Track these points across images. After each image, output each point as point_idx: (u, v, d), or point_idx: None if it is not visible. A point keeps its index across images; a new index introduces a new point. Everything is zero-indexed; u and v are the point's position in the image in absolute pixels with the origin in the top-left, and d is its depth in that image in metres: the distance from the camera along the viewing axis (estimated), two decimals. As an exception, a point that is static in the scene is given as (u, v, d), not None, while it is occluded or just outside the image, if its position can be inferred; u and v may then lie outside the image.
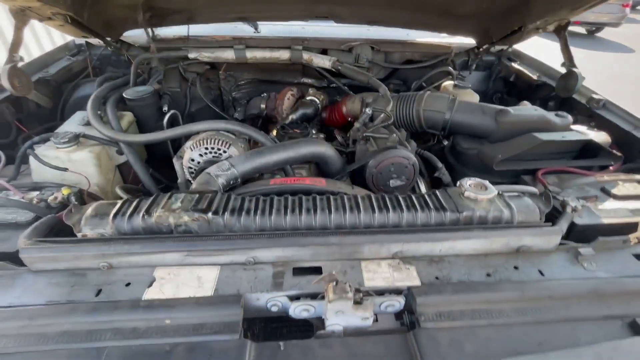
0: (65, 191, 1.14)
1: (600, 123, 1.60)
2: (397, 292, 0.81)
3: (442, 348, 0.72)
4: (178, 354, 0.69)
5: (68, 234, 1.00)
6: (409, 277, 0.84)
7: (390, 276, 0.85)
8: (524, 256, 0.91)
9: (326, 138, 1.86)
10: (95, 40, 2.04)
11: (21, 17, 1.46)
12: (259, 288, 0.81)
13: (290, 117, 1.88)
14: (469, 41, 2.19)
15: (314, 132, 1.81)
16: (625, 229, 1.08)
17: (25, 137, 1.57)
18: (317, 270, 0.86)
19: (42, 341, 0.69)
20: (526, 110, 1.51)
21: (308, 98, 1.98)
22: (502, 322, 0.77)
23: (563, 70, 1.79)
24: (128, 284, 0.80)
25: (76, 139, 1.34)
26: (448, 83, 1.92)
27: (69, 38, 2.07)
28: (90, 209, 0.90)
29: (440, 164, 1.50)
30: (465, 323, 0.76)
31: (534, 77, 1.98)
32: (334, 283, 0.74)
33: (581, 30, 14.60)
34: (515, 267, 0.88)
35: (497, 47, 2.10)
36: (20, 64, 1.51)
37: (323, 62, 1.93)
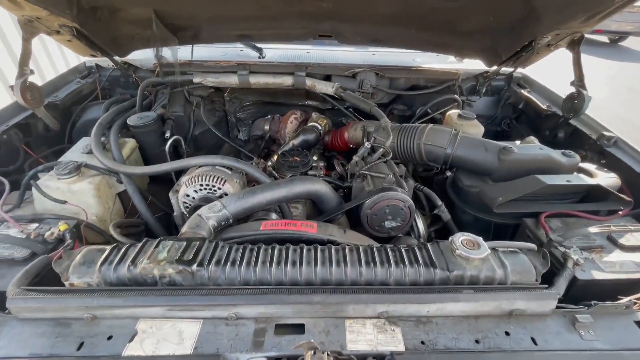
0: (62, 227, 1.16)
1: (610, 162, 1.53)
2: (379, 357, 0.79)
3: None
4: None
5: (58, 277, 1.02)
6: (394, 341, 0.82)
7: (374, 339, 0.82)
8: (516, 320, 0.88)
9: (326, 167, 1.86)
10: (104, 62, 2.09)
11: (29, 28, 1.51)
12: (239, 347, 0.80)
13: (291, 143, 1.88)
14: (477, 67, 2.15)
15: (314, 158, 1.80)
16: (630, 286, 1.03)
17: (32, 162, 1.62)
18: (300, 328, 0.85)
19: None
20: (531, 148, 1.46)
21: (310, 124, 1.97)
22: (489, 397, 0.74)
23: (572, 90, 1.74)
24: (110, 337, 0.81)
25: (77, 170, 1.37)
26: (453, 112, 1.88)
27: (82, 59, 2.13)
28: (79, 256, 0.91)
29: (439, 202, 1.46)
30: None
31: (544, 106, 1.92)
32: (312, 352, 0.72)
33: (603, 39, 14.20)
34: (507, 333, 0.85)
35: (507, 69, 2.05)
36: (30, 77, 1.56)
37: (326, 88, 1.93)
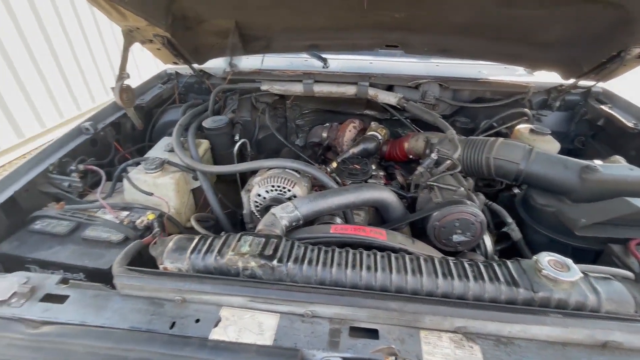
0: (150, 216, 1.29)
1: None
2: (459, 374, 0.77)
3: None
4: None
5: (149, 259, 1.13)
6: (472, 358, 0.79)
7: (451, 353, 0.80)
8: (612, 353, 0.80)
9: (386, 176, 1.85)
10: (182, 70, 2.30)
11: (129, 38, 1.71)
12: (315, 344, 0.82)
13: (351, 151, 1.91)
14: (549, 79, 2.03)
15: (373, 167, 1.81)
16: None
17: (121, 157, 1.82)
18: (374, 333, 0.85)
19: (125, 364, 0.78)
20: (619, 168, 1.34)
21: (370, 133, 1.98)
22: None
23: None
24: (197, 320, 0.87)
25: (161, 166, 1.51)
26: (523, 127, 1.79)
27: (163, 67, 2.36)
28: (171, 243, 1.01)
29: (510, 219, 1.39)
30: None
31: (630, 124, 1.75)
32: (393, 357, 0.73)
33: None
34: (600, 365, 0.78)
35: (588, 83, 1.91)
36: (127, 81, 1.77)
37: (388, 98, 1.94)
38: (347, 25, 1.73)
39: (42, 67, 4.51)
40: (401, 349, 0.82)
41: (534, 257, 0.92)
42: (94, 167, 1.55)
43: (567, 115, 2.13)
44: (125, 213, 1.35)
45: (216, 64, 2.20)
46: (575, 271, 0.86)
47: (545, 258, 0.90)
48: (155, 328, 0.86)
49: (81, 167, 1.52)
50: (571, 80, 1.86)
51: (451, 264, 0.95)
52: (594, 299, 0.85)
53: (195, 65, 2.10)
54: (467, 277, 0.91)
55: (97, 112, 1.81)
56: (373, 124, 2.10)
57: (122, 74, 1.73)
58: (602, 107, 1.96)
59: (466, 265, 0.94)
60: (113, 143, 1.82)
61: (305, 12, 1.63)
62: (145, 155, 1.65)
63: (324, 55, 2.19)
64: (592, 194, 1.31)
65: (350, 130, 2.15)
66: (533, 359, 0.79)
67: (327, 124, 2.29)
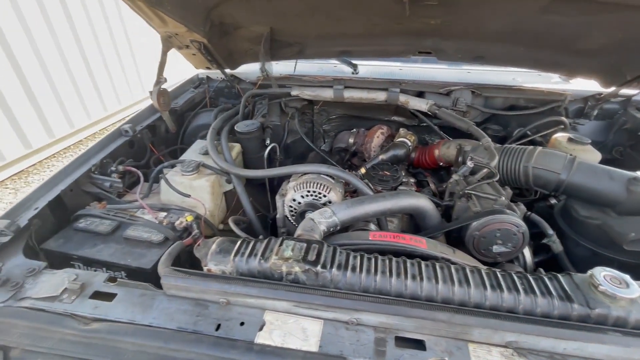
0: (188, 218, 1.31)
1: None
2: (512, 390, 0.74)
3: None
4: (285, 408, 0.72)
5: (188, 257, 1.15)
6: (528, 375, 0.76)
7: (508, 375, 0.78)
8: (677, 377, 0.76)
9: (416, 183, 1.83)
10: (213, 74, 2.35)
11: (167, 43, 1.77)
12: (361, 352, 0.81)
13: (380, 157, 1.89)
14: (587, 87, 1.97)
15: (403, 174, 1.79)
16: None
17: (156, 159, 1.86)
18: (421, 344, 0.84)
19: (173, 364, 0.79)
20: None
21: (399, 139, 1.97)
22: None
23: None
24: (242, 323, 0.88)
25: (197, 168, 1.54)
26: (560, 135, 1.74)
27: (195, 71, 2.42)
28: (214, 245, 1.02)
29: (551, 231, 1.35)
30: None
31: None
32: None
33: None
34: (666, 390, 0.74)
35: (629, 92, 1.85)
36: (164, 85, 1.82)
37: (420, 105, 1.92)
38: (381, 31, 1.73)
39: (71, 66, 4.63)
40: (450, 361, 0.80)
41: (589, 272, 0.88)
42: (133, 168, 1.60)
43: (605, 124, 2.06)
44: (164, 214, 1.38)
45: (247, 69, 2.24)
46: (635, 288, 0.83)
47: (602, 273, 0.86)
48: (201, 329, 0.87)
49: (120, 168, 1.57)
50: (612, 88, 1.80)
51: (499, 275, 0.92)
52: (652, 317, 0.81)
53: (227, 70, 2.14)
54: (517, 289, 0.88)
55: (135, 114, 1.87)
56: (402, 131, 2.09)
57: (160, 79, 1.78)
58: None
59: (515, 278, 0.91)
60: (148, 145, 1.87)
61: (341, 19, 1.65)
62: (181, 158, 1.69)
63: (354, 62, 2.19)
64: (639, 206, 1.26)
65: (378, 136, 2.14)
66: (592, 378, 0.76)
67: (354, 130, 2.29)
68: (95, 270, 1.18)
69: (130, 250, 1.21)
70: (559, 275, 0.92)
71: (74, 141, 4.90)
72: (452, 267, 0.94)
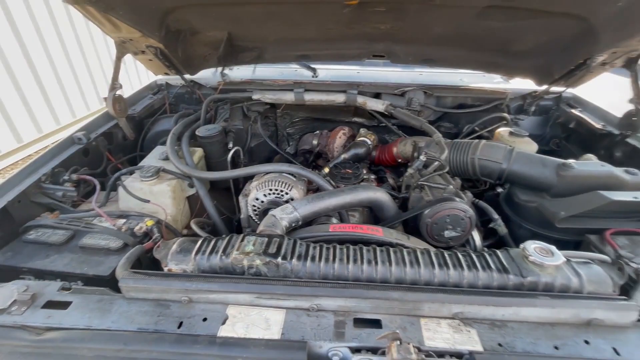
0: (148, 223, 1.29)
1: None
2: (458, 355, 0.81)
3: None
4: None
5: (150, 263, 1.13)
6: (470, 341, 0.84)
7: (450, 337, 0.85)
8: (595, 330, 0.87)
9: (377, 179, 1.92)
10: (173, 80, 2.32)
11: (121, 49, 1.74)
12: (321, 336, 0.85)
13: (342, 157, 1.97)
14: (525, 86, 2.17)
15: (364, 172, 1.87)
16: None
17: (113, 167, 1.81)
18: (377, 323, 0.89)
19: (134, 366, 0.79)
20: (592, 165, 1.45)
21: (360, 139, 2.06)
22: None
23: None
24: (205, 319, 0.89)
25: (157, 173, 1.52)
26: (503, 129, 1.91)
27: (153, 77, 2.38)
28: (175, 245, 1.02)
29: (496, 216, 1.48)
30: None
31: (598, 125, 1.90)
32: (398, 342, 0.77)
33: None
34: (586, 342, 0.85)
35: (559, 89, 2.06)
36: (119, 91, 1.78)
37: (377, 105, 2.03)
38: (336, 36, 1.81)
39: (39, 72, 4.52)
40: (403, 336, 0.86)
41: (521, 245, 0.99)
42: (87, 177, 1.54)
43: (542, 119, 2.28)
44: (122, 221, 1.34)
45: (207, 75, 2.24)
46: (558, 256, 0.94)
47: (532, 245, 0.97)
48: (163, 329, 0.87)
49: (74, 176, 1.51)
50: (544, 87, 2.00)
51: (446, 255, 1.00)
52: (577, 282, 0.92)
53: (187, 76, 2.13)
54: (461, 266, 0.96)
55: (89, 122, 1.81)
56: (362, 131, 2.18)
57: (115, 84, 1.74)
58: (573, 111, 2.11)
59: (460, 256, 1.00)
60: (105, 153, 1.81)
61: (296, 24, 1.71)
62: (140, 164, 1.66)
63: (313, 65, 2.26)
64: (569, 189, 1.41)
65: (340, 137, 2.22)
66: (526, 339, 0.85)
67: (317, 132, 2.36)
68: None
69: (87, 259, 1.17)
70: (498, 251, 1.02)
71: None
72: (405, 251, 1.01)
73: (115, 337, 0.84)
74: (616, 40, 1.51)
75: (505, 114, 2.04)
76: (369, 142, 2.05)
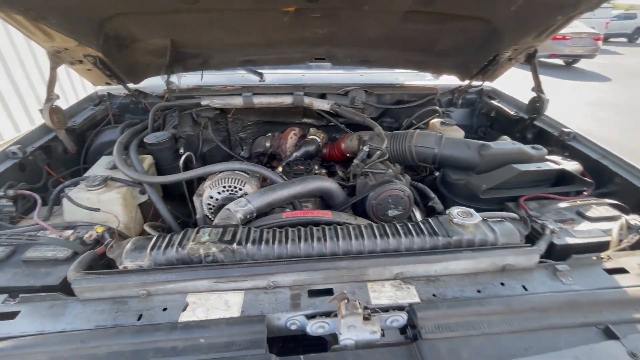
0: (99, 229, 1.27)
1: (572, 153, 1.79)
2: (400, 308, 0.93)
3: (442, 356, 0.83)
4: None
5: (106, 268, 1.12)
6: (410, 295, 0.96)
7: (393, 295, 0.97)
8: (508, 274, 1.05)
9: (327, 173, 2.04)
10: (115, 90, 2.26)
11: (56, 59, 1.68)
12: (279, 308, 0.93)
13: (294, 155, 2.06)
14: (452, 82, 2.45)
15: (316, 167, 1.98)
16: (598, 247, 1.22)
17: (54, 181, 1.72)
18: (329, 292, 0.98)
19: (94, 361, 0.80)
20: (505, 144, 1.70)
21: (310, 137, 2.17)
22: (493, 331, 0.89)
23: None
24: (165, 309, 0.92)
25: (105, 182, 1.49)
26: (435, 120, 2.14)
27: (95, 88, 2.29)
28: (129, 244, 1.03)
29: (432, 194, 1.66)
30: (461, 333, 0.88)
31: (512, 112, 2.20)
32: (346, 301, 0.86)
33: (559, 62, 15.65)
34: (502, 284, 1.01)
35: (478, 83, 2.35)
36: (56, 102, 1.71)
37: (322, 105, 2.16)
38: (278, 41, 1.92)
39: None
40: (352, 299, 0.96)
41: (447, 211, 1.15)
42: (26, 192, 1.47)
43: (470, 111, 2.58)
44: (70, 231, 1.30)
45: (152, 83, 2.22)
46: (476, 216, 1.11)
47: (455, 210, 1.13)
48: (122, 323, 0.88)
49: (11, 192, 1.43)
50: (466, 82, 2.28)
51: (386, 227, 1.13)
52: (492, 236, 1.10)
53: (131, 85, 2.10)
54: (399, 234, 1.10)
55: (23, 135, 1.71)
56: (312, 130, 2.30)
57: (51, 95, 1.68)
58: (493, 102, 2.42)
59: (398, 226, 1.13)
60: (44, 167, 1.72)
61: (239, 30, 1.78)
62: (85, 175, 1.61)
63: (260, 70, 2.34)
64: (489, 166, 1.64)
65: (291, 137, 2.32)
66: (455, 288, 1.00)
67: (269, 134, 2.43)
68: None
69: (33, 272, 1.12)
70: (429, 219, 1.17)
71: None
72: (350, 227, 1.12)
73: (71, 338, 0.84)
74: (516, 39, 1.79)
75: (437, 107, 2.28)
76: (319, 139, 2.16)
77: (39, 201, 1.43)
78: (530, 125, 2.08)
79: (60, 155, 1.86)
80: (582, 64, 15.10)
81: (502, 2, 1.58)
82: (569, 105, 8.34)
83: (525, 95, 2.19)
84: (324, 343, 1.00)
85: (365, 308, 0.88)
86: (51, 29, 1.47)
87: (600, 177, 1.62)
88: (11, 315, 0.89)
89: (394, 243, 1.08)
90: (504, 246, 1.08)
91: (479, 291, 0.99)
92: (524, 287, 1.00)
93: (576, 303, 0.96)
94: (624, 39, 21.74)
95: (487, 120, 2.51)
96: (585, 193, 1.55)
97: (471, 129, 2.55)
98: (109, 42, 1.70)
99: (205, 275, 0.96)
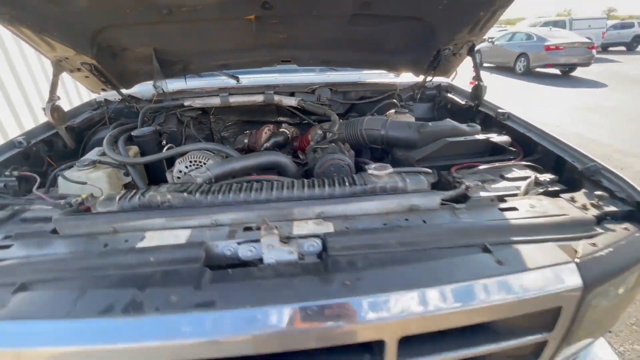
0: (84, 195, 1.53)
1: (508, 132, 1.99)
2: (315, 236, 1.14)
3: (342, 267, 1.03)
4: (158, 277, 1.01)
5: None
6: (327, 228, 1.17)
7: (313, 228, 1.18)
8: (413, 213, 1.25)
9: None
10: (111, 97, 2.59)
11: (58, 67, 2.00)
12: (217, 238, 1.14)
13: (265, 146, 2.32)
14: (412, 79, 2.71)
15: (284, 155, 2.23)
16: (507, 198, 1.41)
17: (53, 169, 2.01)
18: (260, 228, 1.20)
19: (66, 272, 1.03)
20: (442, 123, 1.92)
21: (280, 130, 2.44)
22: (389, 250, 1.08)
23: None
24: (126, 240, 1.15)
25: (94, 164, 1.76)
26: (391, 111, 2.39)
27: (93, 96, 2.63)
28: (102, 197, 1.28)
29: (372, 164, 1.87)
30: (361, 251, 1.07)
31: (462, 102, 2.43)
32: (266, 225, 1.08)
33: (556, 71, 15.88)
34: (406, 219, 1.21)
35: (435, 79, 2.60)
36: (57, 102, 2.01)
37: (290, 101, 2.44)
38: (248, 46, 2.22)
39: None
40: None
41: (366, 166, 1.37)
42: (29, 173, 1.74)
43: (430, 105, 2.82)
44: (62, 200, 1.56)
45: (144, 88, 2.54)
46: (389, 169, 1.33)
47: (372, 165, 1.35)
48: (91, 249, 1.11)
49: (15, 172, 1.71)
50: (420, 78, 2.53)
51: (316, 181, 1.36)
52: (402, 184, 1.31)
53: (124, 91, 2.42)
54: (326, 186, 1.32)
55: (29, 129, 2.02)
56: (284, 125, 2.57)
57: (53, 96, 1.99)
58: (449, 95, 2.66)
59: (325, 180, 1.35)
60: (46, 158, 2.01)
61: (210, 38, 2.09)
62: (79, 159, 1.88)
63: (237, 75, 2.66)
64: (427, 142, 1.85)
65: (265, 132, 2.58)
66: (365, 223, 1.20)
67: (247, 131, 2.71)
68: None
69: (29, 226, 1.37)
70: (354, 174, 1.39)
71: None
72: (285, 181, 1.35)
73: (50, 259, 1.08)
74: (451, 34, 2.05)
75: (395, 101, 2.54)
76: (288, 132, 2.43)
77: (39, 179, 1.71)
78: (476, 111, 2.30)
79: (60, 150, 2.16)
80: (579, 72, 15.31)
81: (430, 3, 1.85)
82: (564, 110, 8.54)
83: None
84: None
85: (288, 237, 1.10)
86: (53, 40, 1.80)
87: (528, 147, 1.82)
88: (7, 247, 1.14)
89: (319, 192, 1.30)
90: (412, 190, 1.29)
91: (385, 224, 1.19)
92: (424, 221, 1.20)
93: (464, 230, 1.15)
94: (623, 48, 22.00)
95: (446, 112, 2.73)
96: (513, 161, 1.75)
97: (433, 120, 2.77)
98: (102, 51, 2.03)
99: (160, 215, 1.19)
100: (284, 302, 0.90)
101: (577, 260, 1.03)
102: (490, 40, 19.53)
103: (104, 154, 1.90)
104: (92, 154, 1.96)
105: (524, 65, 15.78)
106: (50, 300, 0.93)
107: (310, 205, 1.23)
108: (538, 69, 15.35)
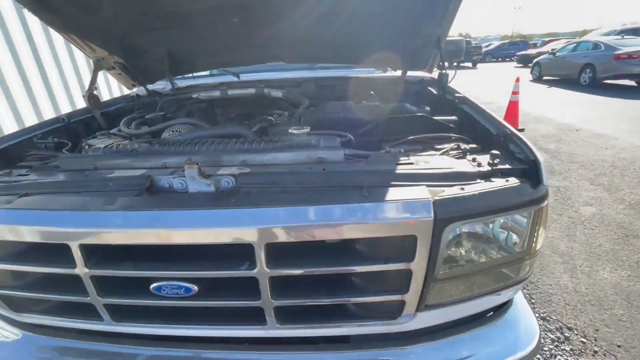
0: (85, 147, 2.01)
1: (461, 113, 2.10)
2: (232, 175, 1.42)
3: (241, 194, 1.30)
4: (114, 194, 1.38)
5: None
6: (244, 171, 1.46)
7: (233, 171, 1.47)
8: (319, 163, 1.47)
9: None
10: (142, 92, 3.20)
11: (98, 65, 2.59)
12: (163, 174, 1.49)
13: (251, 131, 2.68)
14: (394, 74, 2.90)
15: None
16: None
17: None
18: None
19: (57, 189, 1.45)
20: (395, 105, 2.11)
21: (267, 118, 2.79)
22: (285, 187, 1.33)
23: None
24: (100, 173, 1.55)
25: (109, 134, 2.28)
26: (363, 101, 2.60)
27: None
28: (94, 147, 1.73)
29: None
30: (263, 187, 1.33)
31: (434, 92, 2.56)
32: (190, 160, 1.40)
33: (630, 82, 14.49)
34: (310, 167, 1.44)
35: (417, 74, 2.77)
36: (95, 92, 2.61)
37: (277, 93, 2.79)
38: (241, 46, 2.64)
39: None
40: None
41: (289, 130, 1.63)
42: (65, 140, 2.31)
43: (415, 99, 2.95)
44: (79, 158, 2.07)
45: (163, 84, 3.11)
46: (307, 129, 1.58)
47: (294, 127, 1.61)
48: (75, 178, 1.54)
49: (55, 139, 2.28)
50: (399, 72, 2.72)
51: (246, 139, 1.65)
52: (316, 142, 1.55)
53: (149, 86, 2.99)
54: (253, 143, 1.61)
55: (72, 110, 2.64)
56: (274, 115, 2.91)
57: (92, 87, 2.59)
58: (429, 88, 2.79)
59: (254, 138, 1.65)
60: (83, 135, 2.60)
61: (210, 39, 2.55)
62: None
63: (238, 74, 3.11)
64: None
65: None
66: (277, 170, 1.46)
67: (246, 122, 3.11)
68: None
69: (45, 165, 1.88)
70: (277, 134, 1.66)
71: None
72: (226, 139, 1.67)
73: (49, 181, 1.52)
74: (415, 29, 2.25)
75: (372, 92, 2.74)
76: (273, 119, 2.76)
77: (70, 144, 2.26)
78: (443, 98, 2.42)
79: (95, 129, 2.75)
80: (658, 83, 13.57)
81: None
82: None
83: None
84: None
85: (209, 175, 1.41)
86: (92, 43, 2.39)
87: (471, 125, 1.91)
88: (25, 175, 1.61)
89: (246, 146, 1.59)
90: (322, 146, 1.52)
91: (290, 170, 1.44)
92: (323, 169, 1.42)
93: (351, 174, 1.34)
94: None
95: (427, 104, 2.85)
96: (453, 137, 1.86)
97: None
98: (129, 52, 2.60)
99: (126, 156, 1.59)
100: (181, 207, 1.20)
101: (436, 198, 1.17)
102: (551, 51, 18.20)
103: (120, 130, 2.42)
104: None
105: (590, 77, 14.49)
106: (42, 201, 1.35)
107: (235, 154, 1.52)
108: (607, 81, 13.97)
